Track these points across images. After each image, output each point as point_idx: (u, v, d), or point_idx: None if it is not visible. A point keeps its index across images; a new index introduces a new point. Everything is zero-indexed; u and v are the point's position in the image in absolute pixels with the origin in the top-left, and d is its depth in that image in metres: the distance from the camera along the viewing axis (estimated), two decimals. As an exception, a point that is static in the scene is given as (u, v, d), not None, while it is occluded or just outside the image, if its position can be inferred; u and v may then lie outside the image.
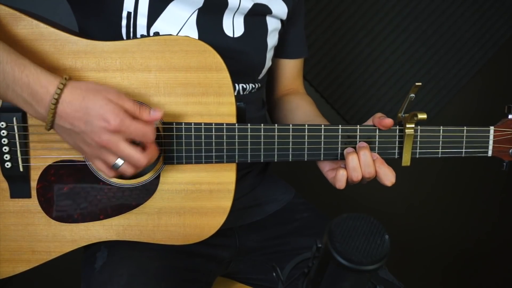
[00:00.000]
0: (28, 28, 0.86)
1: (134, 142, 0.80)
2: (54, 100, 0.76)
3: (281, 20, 1.10)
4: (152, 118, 0.81)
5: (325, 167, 0.99)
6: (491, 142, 0.96)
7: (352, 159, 0.90)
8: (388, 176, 0.91)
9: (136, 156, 0.79)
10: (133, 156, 0.79)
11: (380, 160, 0.92)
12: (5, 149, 0.88)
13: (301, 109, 1.17)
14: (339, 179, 0.92)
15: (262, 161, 0.92)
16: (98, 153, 0.80)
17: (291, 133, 0.91)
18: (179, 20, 0.96)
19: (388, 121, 0.92)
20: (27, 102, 0.77)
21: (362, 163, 0.90)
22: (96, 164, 0.82)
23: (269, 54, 1.09)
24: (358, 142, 0.93)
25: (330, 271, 0.55)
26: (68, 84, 0.78)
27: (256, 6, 1.03)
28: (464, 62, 2.00)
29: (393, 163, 0.94)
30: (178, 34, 0.95)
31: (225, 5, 0.99)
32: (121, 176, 0.87)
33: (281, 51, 1.18)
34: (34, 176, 0.90)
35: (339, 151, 0.93)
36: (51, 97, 0.76)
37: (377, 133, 0.93)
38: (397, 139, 0.94)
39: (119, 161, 0.79)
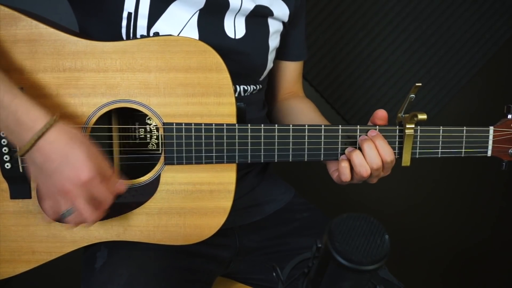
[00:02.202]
0: (28, 28, 0.86)
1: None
2: (37, 136, 0.76)
3: (283, 22, 1.10)
4: (117, 188, 0.83)
5: (331, 167, 0.99)
6: (490, 142, 0.96)
7: (356, 156, 0.90)
8: (387, 152, 0.91)
9: (86, 214, 0.80)
10: (85, 212, 0.80)
11: (379, 136, 0.91)
12: (4, 150, 0.88)
13: (306, 115, 1.17)
14: (342, 171, 0.92)
15: (262, 161, 0.92)
16: (54, 196, 0.80)
17: (291, 133, 0.91)
18: (180, 21, 0.96)
19: (381, 112, 0.92)
20: (9, 128, 0.78)
21: (367, 156, 0.90)
22: (45, 204, 0.83)
23: (271, 56, 1.09)
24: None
25: (330, 271, 0.55)
26: (56, 124, 0.78)
27: (257, 7, 1.03)
28: (464, 62, 2.00)
29: (395, 162, 0.94)
30: (179, 35, 0.95)
31: (227, 6, 0.99)
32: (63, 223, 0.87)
33: (282, 53, 1.18)
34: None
35: (339, 151, 0.93)
36: (37, 131, 0.76)
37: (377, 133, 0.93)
38: (397, 139, 0.94)
39: (70, 210, 0.80)
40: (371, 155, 0.89)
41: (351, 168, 0.92)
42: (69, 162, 0.77)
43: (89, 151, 0.79)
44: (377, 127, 0.93)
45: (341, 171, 0.92)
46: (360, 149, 0.91)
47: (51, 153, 0.77)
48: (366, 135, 0.92)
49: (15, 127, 0.77)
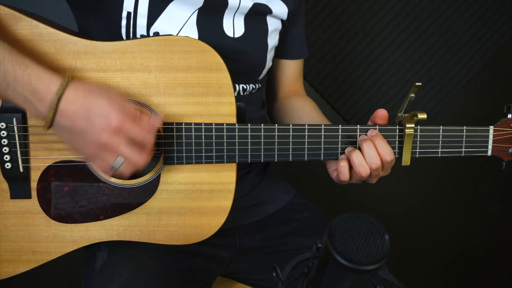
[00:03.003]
0: (28, 28, 0.86)
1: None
2: (57, 97, 0.76)
3: (282, 21, 1.10)
4: (151, 123, 0.82)
5: (331, 167, 0.99)
6: (490, 141, 0.96)
7: (356, 156, 0.90)
8: (387, 152, 0.91)
9: (135, 157, 0.79)
10: (133, 157, 0.79)
11: (379, 136, 0.91)
12: (5, 150, 0.88)
13: (307, 114, 1.17)
14: (341, 171, 0.92)
15: (262, 161, 0.92)
16: (97, 152, 0.79)
17: (291, 133, 0.91)
18: (179, 20, 0.96)
19: (382, 112, 0.92)
20: (28, 100, 0.77)
21: (366, 156, 0.90)
22: (96, 163, 0.82)
23: (270, 55, 1.09)
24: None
25: (330, 271, 0.55)
26: (70, 82, 0.78)
27: (256, 5, 1.03)
28: (464, 62, 2.00)
29: (394, 162, 0.94)
30: (178, 34, 0.95)
31: (225, 5, 0.99)
32: (119, 176, 0.87)
33: (281, 52, 1.18)
34: (34, 176, 0.90)
35: (339, 151, 0.93)
36: (53, 95, 0.76)
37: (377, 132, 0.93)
38: (397, 139, 0.94)
39: (119, 161, 0.79)
40: (370, 155, 0.89)
41: (351, 168, 0.92)
42: (95, 114, 0.77)
43: (110, 98, 0.78)
44: (377, 126, 0.93)
45: (340, 170, 0.92)
46: (359, 149, 0.91)
47: (74, 112, 0.77)
48: (366, 134, 0.92)
49: (32, 96, 0.77)
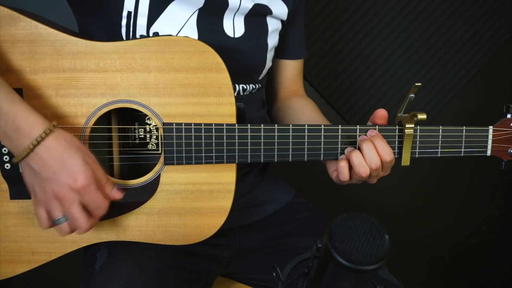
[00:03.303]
0: (27, 29, 0.86)
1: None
2: (36, 142, 0.76)
3: (282, 21, 1.10)
4: (112, 195, 0.83)
5: (331, 167, 0.99)
6: (490, 141, 0.96)
7: (355, 156, 0.90)
8: (386, 152, 0.91)
9: (80, 221, 0.81)
10: (78, 220, 0.80)
11: (378, 136, 0.91)
12: (4, 150, 0.88)
13: (307, 115, 1.17)
14: (341, 171, 0.92)
15: (262, 161, 0.92)
16: (48, 202, 0.80)
17: (291, 133, 0.91)
18: (179, 20, 0.96)
19: (382, 112, 0.92)
20: (7, 135, 0.78)
21: (366, 156, 0.90)
22: (39, 210, 0.82)
23: (270, 55, 1.09)
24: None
25: (330, 271, 0.55)
26: (54, 131, 0.78)
27: (256, 6, 1.03)
28: (464, 62, 2.00)
29: (394, 162, 0.93)
30: (178, 35, 0.95)
31: (226, 5, 0.99)
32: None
33: (281, 52, 1.18)
34: (34, 176, 0.90)
35: (339, 151, 0.93)
36: (34, 137, 0.77)
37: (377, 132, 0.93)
38: (396, 139, 0.93)
39: (63, 219, 0.81)
40: (370, 155, 0.89)
41: (350, 168, 0.92)
42: (65, 168, 0.78)
43: (85, 158, 0.79)
44: (377, 127, 0.93)
45: (340, 170, 0.92)
46: (359, 149, 0.91)
47: (48, 159, 0.77)
48: (366, 135, 0.92)
49: (13, 133, 0.77)
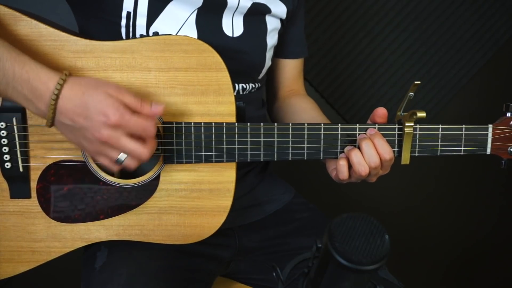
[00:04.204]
0: (28, 28, 0.86)
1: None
2: (54, 96, 0.76)
3: (281, 20, 1.10)
4: (153, 112, 0.80)
5: (330, 166, 0.99)
6: (489, 140, 0.96)
7: (355, 155, 0.90)
8: (386, 150, 0.90)
9: (138, 150, 0.78)
10: (135, 150, 0.78)
11: (378, 134, 0.91)
12: (4, 150, 0.88)
13: (307, 114, 1.16)
14: (340, 170, 0.92)
15: (262, 160, 0.92)
16: (100, 149, 0.79)
17: (290, 132, 0.91)
18: (178, 20, 0.96)
19: (381, 110, 0.92)
20: (28, 99, 0.77)
21: (365, 155, 0.90)
22: (100, 159, 0.82)
23: (269, 54, 1.09)
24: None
25: (330, 271, 0.55)
26: (68, 79, 0.77)
27: (255, 5, 1.03)
28: (464, 62, 2.00)
29: (393, 160, 0.93)
30: (177, 34, 0.95)
31: (224, 4, 0.99)
32: (124, 172, 0.86)
33: (281, 51, 1.18)
34: (34, 176, 0.90)
35: (339, 149, 0.93)
36: (51, 93, 0.76)
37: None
38: (396, 138, 0.94)
39: (122, 156, 0.79)
40: (369, 154, 0.89)
41: (350, 167, 0.92)
42: (92, 111, 0.76)
43: (107, 91, 0.77)
44: (376, 125, 0.93)
45: (339, 169, 0.92)
46: (359, 147, 0.91)
47: (73, 109, 0.76)
48: (365, 133, 0.92)
49: (32, 95, 0.77)
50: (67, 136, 0.81)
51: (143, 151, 0.79)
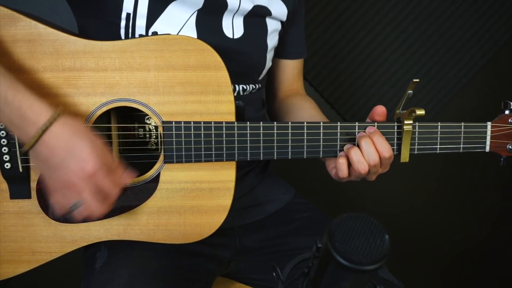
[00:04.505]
0: (27, 28, 0.86)
1: None
2: (43, 128, 0.76)
3: (281, 22, 1.10)
4: (122, 180, 0.83)
5: (330, 164, 0.99)
6: (488, 137, 0.97)
7: (354, 153, 0.90)
8: (385, 148, 0.90)
9: (94, 206, 0.80)
10: (93, 205, 0.80)
11: (377, 132, 0.91)
12: (4, 150, 0.88)
13: (307, 113, 1.16)
14: (340, 168, 0.92)
15: (261, 159, 0.92)
16: (61, 189, 0.80)
17: (290, 131, 0.91)
18: (179, 21, 0.96)
19: (380, 108, 0.92)
20: (14, 123, 0.78)
21: (364, 153, 0.90)
22: (55, 197, 0.82)
23: (269, 55, 1.09)
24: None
25: (330, 271, 0.55)
26: (61, 117, 0.78)
27: (256, 7, 1.03)
28: (464, 62, 2.00)
29: (393, 158, 0.93)
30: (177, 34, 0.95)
31: (225, 6, 0.99)
32: (69, 218, 0.87)
33: (281, 52, 1.18)
34: (34, 176, 0.90)
35: (338, 148, 0.93)
36: (41, 125, 0.76)
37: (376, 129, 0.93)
38: (395, 136, 0.94)
39: (78, 203, 0.80)
40: (368, 152, 0.89)
41: (349, 165, 0.92)
42: (74, 155, 0.77)
43: (93, 144, 0.79)
44: (376, 123, 0.93)
45: (339, 167, 0.92)
46: (358, 145, 0.91)
47: (55, 146, 0.77)
48: (364, 131, 0.92)
49: (20, 122, 0.77)
50: (36, 164, 0.82)
51: (98, 208, 0.81)
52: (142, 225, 0.93)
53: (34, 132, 0.76)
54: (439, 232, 2.20)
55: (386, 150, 0.90)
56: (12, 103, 0.76)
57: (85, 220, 0.85)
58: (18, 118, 0.77)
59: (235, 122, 0.90)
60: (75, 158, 0.77)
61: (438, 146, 0.95)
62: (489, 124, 0.96)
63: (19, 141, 0.81)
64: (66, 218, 0.90)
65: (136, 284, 0.91)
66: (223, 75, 0.89)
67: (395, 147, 0.94)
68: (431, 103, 2.01)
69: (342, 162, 0.91)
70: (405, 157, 0.94)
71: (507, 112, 0.97)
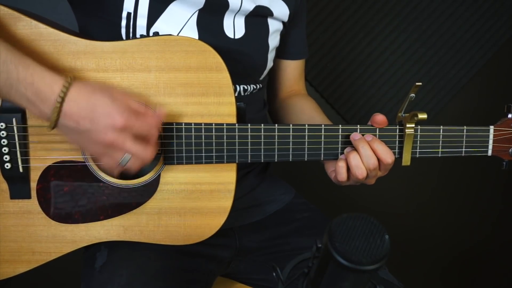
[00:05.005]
0: (27, 28, 0.86)
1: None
2: (60, 98, 0.76)
3: (283, 22, 1.10)
4: (157, 115, 0.82)
5: (329, 167, 0.99)
6: (491, 141, 0.96)
7: (353, 157, 0.90)
8: (387, 154, 0.90)
9: (142, 152, 0.80)
10: (139, 152, 0.80)
11: (376, 140, 0.91)
12: (4, 150, 0.88)
13: (308, 114, 1.16)
14: (339, 171, 0.92)
15: (262, 161, 0.92)
16: (104, 151, 0.80)
17: (291, 133, 0.91)
18: (180, 21, 0.95)
19: (379, 118, 0.92)
20: (31, 101, 0.77)
21: (363, 157, 0.89)
22: (103, 160, 0.82)
23: (271, 55, 1.09)
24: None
25: (330, 271, 0.55)
26: (73, 82, 0.78)
27: (257, 8, 1.03)
28: (464, 62, 2.00)
29: (394, 162, 0.93)
30: (178, 35, 0.95)
31: (226, 6, 0.98)
32: (127, 172, 0.87)
33: (282, 52, 1.18)
34: (34, 176, 0.90)
35: (339, 151, 0.93)
36: (56, 96, 0.76)
37: (377, 133, 0.93)
38: (397, 139, 0.93)
39: (126, 157, 0.80)
40: (367, 155, 0.89)
41: (349, 169, 0.92)
42: (99, 114, 0.77)
43: (113, 96, 0.78)
44: (377, 128, 0.93)
45: (338, 170, 0.92)
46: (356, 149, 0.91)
47: (79, 112, 0.77)
48: (363, 134, 0.92)
49: (36, 98, 0.76)
50: (70, 138, 0.82)
51: (147, 152, 0.80)
52: (142, 226, 0.93)
53: (52, 106, 0.76)
54: (439, 232, 2.20)
55: (389, 156, 0.90)
56: (24, 79, 0.76)
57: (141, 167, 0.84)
58: (33, 94, 0.76)
59: (236, 124, 0.90)
60: (101, 117, 0.77)
61: (440, 150, 0.95)
62: (491, 128, 0.96)
63: (41, 118, 0.80)
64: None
65: (136, 284, 0.91)
66: (224, 76, 0.89)
67: (396, 151, 0.94)
68: (431, 103, 2.02)
69: (341, 165, 0.91)
70: (406, 160, 0.93)
71: (509, 115, 0.96)
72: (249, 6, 1.01)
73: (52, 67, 0.83)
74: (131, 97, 0.81)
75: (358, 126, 0.93)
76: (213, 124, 0.89)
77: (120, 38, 0.95)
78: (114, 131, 0.77)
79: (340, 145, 0.93)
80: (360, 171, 0.89)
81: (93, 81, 0.81)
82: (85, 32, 0.99)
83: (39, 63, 0.78)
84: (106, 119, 0.77)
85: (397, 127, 0.93)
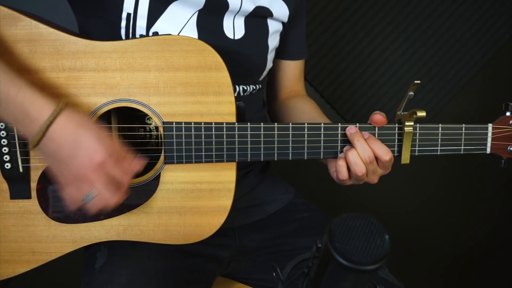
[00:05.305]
0: (27, 28, 0.86)
1: None
2: (47, 123, 0.76)
3: (283, 23, 1.10)
4: (133, 167, 0.83)
5: (332, 167, 0.99)
6: (489, 139, 0.96)
7: (351, 155, 0.90)
8: (383, 150, 0.91)
9: (108, 196, 0.80)
10: (107, 194, 0.80)
11: (371, 137, 0.91)
12: (4, 150, 0.88)
13: (307, 115, 1.16)
14: (340, 170, 0.92)
15: (262, 160, 0.92)
16: (73, 182, 0.80)
17: (290, 132, 0.91)
18: (179, 21, 0.96)
19: (377, 117, 0.92)
20: (18, 121, 0.78)
21: (359, 151, 0.90)
22: (68, 190, 0.82)
23: (270, 56, 1.09)
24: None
25: (330, 271, 0.55)
26: (64, 111, 0.78)
27: (257, 8, 1.03)
28: (464, 62, 2.00)
29: (393, 160, 0.93)
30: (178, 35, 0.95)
31: (226, 6, 0.98)
32: (85, 211, 0.86)
33: (282, 53, 1.18)
34: (34, 176, 0.90)
35: (339, 149, 0.93)
36: (44, 119, 0.76)
37: (376, 131, 0.93)
38: (396, 137, 0.94)
39: (92, 194, 0.79)
40: (363, 149, 0.89)
41: (349, 168, 0.92)
42: (81, 146, 0.77)
43: (99, 134, 0.79)
44: (376, 127, 0.93)
45: (338, 169, 0.92)
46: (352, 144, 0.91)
47: (61, 140, 0.77)
48: (354, 126, 0.92)
49: (24, 119, 0.77)
50: (46, 159, 0.82)
51: (113, 197, 0.81)
52: (142, 226, 0.93)
53: (38, 128, 0.76)
54: (440, 232, 2.20)
55: (385, 153, 0.90)
56: (14, 100, 0.76)
57: (100, 212, 0.84)
58: (22, 115, 0.77)
59: (236, 123, 0.90)
60: (82, 149, 0.77)
61: (438, 148, 0.95)
62: (490, 126, 0.96)
63: (25, 139, 0.81)
64: (80, 212, 0.90)
65: (136, 284, 0.91)
66: (224, 75, 0.89)
67: (395, 149, 0.94)
68: (431, 103, 2.02)
69: (341, 164, 0.91)
70: (405, 158, 0.94)
71: (508, 113, 0.97)
72: (249, 7, 1.01)
73: (50, 67, 0.83)
74: (115, 141, 0.82)
75: (358, 124, 0.93)
76: (213, 123, 0.89)
77: (120, 39, 0.95)
78: (90, 166, 0.77)
79: (339, 144, 0.93)
80: (359, 168, 0.89)
81: (82, 116, 0.81)
82: (85, 32, 0.99)
83: (33, 85, 0.79)
84: (86, 151, 0.77)
85: (396, 125, 0.93)
